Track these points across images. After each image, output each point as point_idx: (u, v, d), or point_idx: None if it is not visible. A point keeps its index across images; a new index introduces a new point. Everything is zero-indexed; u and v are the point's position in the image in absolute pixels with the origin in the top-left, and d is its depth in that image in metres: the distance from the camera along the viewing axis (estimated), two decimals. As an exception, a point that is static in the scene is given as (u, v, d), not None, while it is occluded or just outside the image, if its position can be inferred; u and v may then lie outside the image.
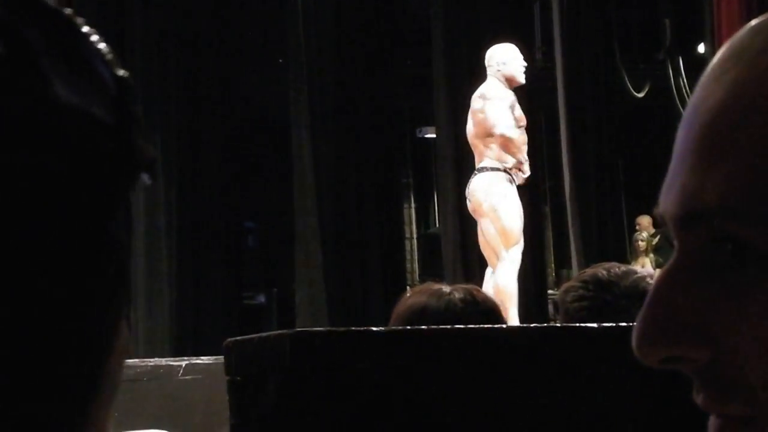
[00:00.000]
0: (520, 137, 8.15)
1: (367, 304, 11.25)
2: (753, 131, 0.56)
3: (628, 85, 11.71)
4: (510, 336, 1.89)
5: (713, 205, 0.56)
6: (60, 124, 0.50)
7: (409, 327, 2.05)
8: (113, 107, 0.54)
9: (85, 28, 0.57)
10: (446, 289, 2.37)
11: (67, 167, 0.51)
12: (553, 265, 12.85)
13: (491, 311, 2.39)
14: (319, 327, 10.16)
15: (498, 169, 8.08)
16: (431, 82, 11.38)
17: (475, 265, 9.16)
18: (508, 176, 8.10)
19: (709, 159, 0.57)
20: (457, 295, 2.33)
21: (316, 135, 11.27)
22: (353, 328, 1.77)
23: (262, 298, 13.34)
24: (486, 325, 1.91)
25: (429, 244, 13.46)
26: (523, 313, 10.94)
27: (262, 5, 12.32)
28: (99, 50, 0.56)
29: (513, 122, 8.19)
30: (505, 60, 8.34)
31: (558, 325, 2.42)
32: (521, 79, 8.30)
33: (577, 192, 10.63)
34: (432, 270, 12.28)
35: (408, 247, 13.49)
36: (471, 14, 11.25)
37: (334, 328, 1.88)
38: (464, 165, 11.38)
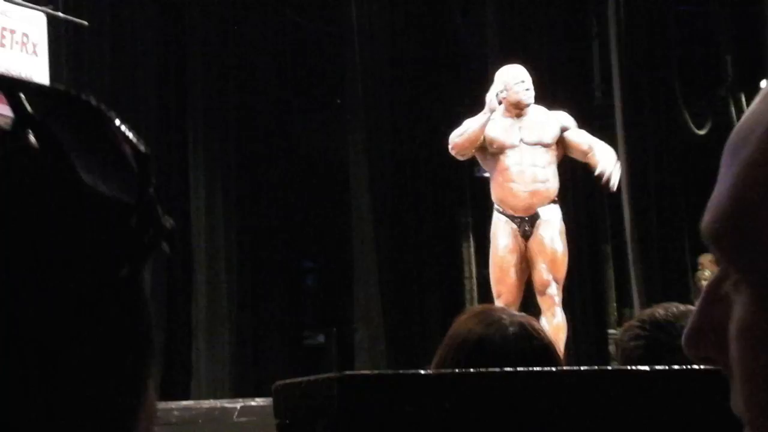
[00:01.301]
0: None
1: (426, 344, 11.20)
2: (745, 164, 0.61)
3: (689, 122, 11.62)
4: (560, 378, 1.86)
5: (704, 230, 0.63)
6: (85, 209, 0.56)
7: (457, 370, 2.03)
8: (135, 187, 0.59)
9: (110, 114, 0.62)
10: (505, 319, 2.34)
11: (92, 245, 0.56)
12: (615, 304, 12.75)
13: (546, 348, 2.36)
14: (379, 367, 10.16)
15: (495, 209, 7.91)
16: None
17: (531, 304, 9.09)
18: (503, 216, 7.81)
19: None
20: (512, 330, 2.31)
21: (373, 174, 11.28)
22: (401, 371, 1.76)
23: (321, 338, 13.33)
24: (536, 368, 1.89)
25: (488, 284, 13.41)
26: (586, 352, 10.88)
27: (319, 45, 12.40)
28: (123, 133, 0.62)
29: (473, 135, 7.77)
30: (504, 86, 7.97)
31: (609, 367, 2.39)
32: (526, 99, 7.87)
33: (638, 230, 10.55)
34: (492, 309, 12.21)
35: (467, 287, 13.44)
36: (528, 52, 11.23)
37: (382, 371, 1.87)
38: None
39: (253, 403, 4.21)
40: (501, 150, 7.75)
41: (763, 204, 0.59)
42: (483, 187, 13.54)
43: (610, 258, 11.96)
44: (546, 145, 7.83)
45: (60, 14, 9.48)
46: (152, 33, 11.27)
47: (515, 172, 7.69)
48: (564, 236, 7.89)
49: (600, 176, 7.69)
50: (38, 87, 0.59)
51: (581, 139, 7.99)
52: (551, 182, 7.81)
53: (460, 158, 8.06)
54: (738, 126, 0.64)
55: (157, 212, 0.60)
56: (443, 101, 11.74)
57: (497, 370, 1.80)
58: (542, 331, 2.45)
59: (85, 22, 9.76)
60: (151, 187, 0.60)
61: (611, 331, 11.44)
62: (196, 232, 11.06)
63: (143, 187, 0.59)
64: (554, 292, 7.73)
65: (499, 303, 7.55)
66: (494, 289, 7.88)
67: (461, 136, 7.80)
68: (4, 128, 0.57)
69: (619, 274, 12.11)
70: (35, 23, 9.12)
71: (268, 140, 11.83)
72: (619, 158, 10.57)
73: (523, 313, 2.55)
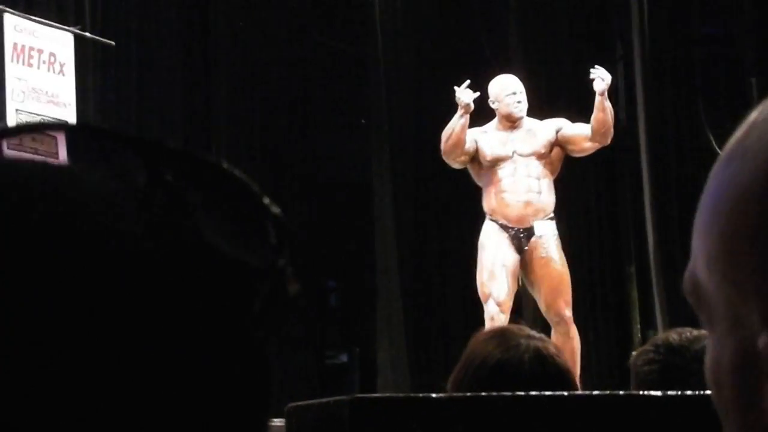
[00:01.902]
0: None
1: (450, 364, 11.17)
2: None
3: (714, 144, 11.57)
4: (572, 402, 1.88)
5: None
6: (209, 269, 0.57)
7: (468, 394, 2.04)
8: (266, 252, 0.61)
9: (241, 177, 0.63)
10: (522, 343, 2.34)
11: (221, 307, 0.57)
12: (638, 326, 12.69)
13: (562, 374, 2.37)
14: (402, 387, 10.11)
15: (488, 218, 7.72)
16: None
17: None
18: (495, 224, 7.61)
19: None
20: (528, 355, 2.31)
21: (397, 194, 11.29)
22: (412, 395, 1.77)
23: (344, 358, 13.32)
24: (548, 392, 1.90)
25: (514, 302, 13.37)
26: (608, 374, 10.83)
27: (344, 65, 12.43)
28: (259, 199, 0.64)
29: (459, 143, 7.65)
30: (495, 98, 7.89)
31: (621, 392, 2.40)
32: (517, 112, 7.74)
33: (662, 252, 10.52)
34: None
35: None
36: (552, 73, 11.25)
37: (393, 395, 1.88)
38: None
39: (270, 423, 4.21)
40: (495, 163, 7.64)
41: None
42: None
43: (633, 279, 11.91)
44: (541, 156, 7.71)
45: (87, 34, 9.56)
46: (178, 53, 11.33)
47: (508, 182, 7.56)
48: (562, 252, 7.75)
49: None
50: (173, 150, 0.59)
51: (578, 129, 7.92)
52: (545, 195, 7.66)
53: (454, 165, 7.94)
54: (702, 203, 0.66)
55: (288, 277, 0.62)
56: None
57: (508, 394, 1.82)
58: (559, 355, 2.45)
59: (113, 42, 9.83)
60: (284, 256, 0.61)
61: (635, 353, 11.39)
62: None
63: (278, 255, 0.61)
64: (569, 314, 7.61)
65: (488, 308, 7.47)
66: (482, 292, 7.62)
67: (446, 142, 7.77)
68: (136, 186, 0.57)
69: (643, 295, 12.07)
70: (63, 43, 9.19)
71: (292, 159, 11.87)
72: (643, 180, 10.59)
73: (542, 335, 2.55)
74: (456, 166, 7.96)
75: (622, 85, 11.37)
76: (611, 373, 10.92)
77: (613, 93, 11.48)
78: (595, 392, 1.82)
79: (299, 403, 1.85)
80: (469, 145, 7.77)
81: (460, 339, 11.51)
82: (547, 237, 7.60)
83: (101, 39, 9.73)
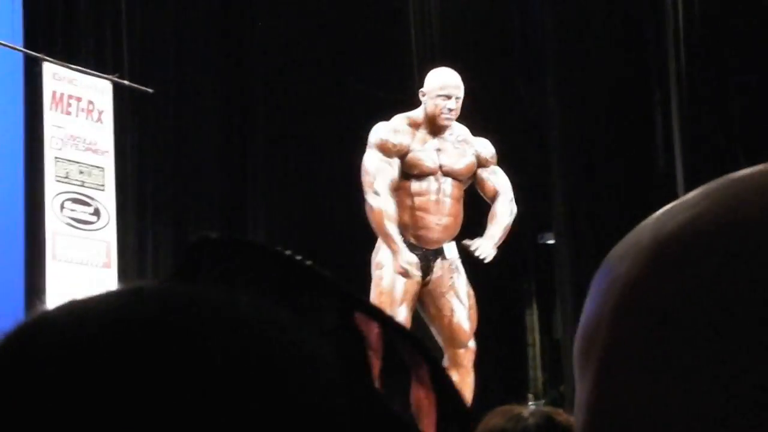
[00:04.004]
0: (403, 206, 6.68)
1: (489, 411, 11.10)
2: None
3: (753, 191, 11.49)
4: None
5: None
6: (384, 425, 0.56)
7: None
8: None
9: (438, 362, 0.62)
10: (525, 413, 2.36)
11: None
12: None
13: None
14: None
15: None
16: (551, 188, 11.37)
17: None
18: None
19: None
20: (532, 420, 2.32)
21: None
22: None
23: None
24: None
25: (553, 351, 13.29)
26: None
27: (383, 113, 12.43)
28: (447, 382, 0.61)
29: (387, 180, 6.64)
30: (426, 91, 6.86)
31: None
32: (444, 120, 6.75)
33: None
34: (555, 377, 12.11)
35: (531, 354, 13.33)
36: (589, 120, 11.23)
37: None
38: (584, 270, 11.25)
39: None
40: (421, 176, 6.80)
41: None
42: (546, 253, 13.52)
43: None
44: (462, 179, 6.98)
45: (126, 82, 9.62)
46: (215, 101, 11.40)
47: (432, 201, 6.77)
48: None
49: (468, 247, 6.75)
50: (372, 309, 0.59)
51: (492, 183, 7.11)
52: (460, 217, 6.97)
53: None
54: (580, 331, 0.65)
55: None
56: (505, 171, 11.75)
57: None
58: (568, 421, 2.43)
59: (150, 90, 9.88)
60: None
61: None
62: None
63: None
64: (473, 344, 6.94)
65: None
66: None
67: (370, 210, 6.77)
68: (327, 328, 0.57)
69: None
70: (101, 91, 9.26)
71: (329, 206, 11.87)
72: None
73: (549, 408, 2.55)
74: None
75: (661, 131, 11.32)
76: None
77: (650, 141, 11.47)
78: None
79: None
80: (399, 150, 6.84)
81: (501, 386, 11.44)
82: (457, 262, 6.94)
83: (139, 87, 9.79)
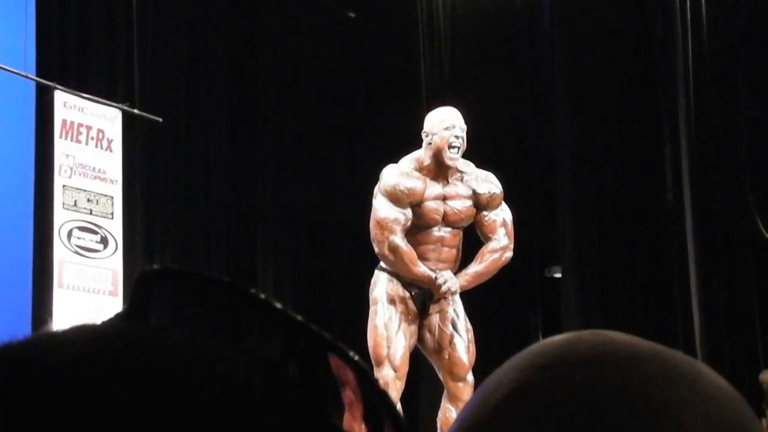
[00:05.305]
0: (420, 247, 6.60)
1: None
2: None
3: (761, 227, 11.48)
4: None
5: None
6: None
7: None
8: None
9: (370, 373, 0.62)
10: None
11: None
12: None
13: None
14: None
15: (384, 269, 6.80)
16: (559, 222, 11.38)
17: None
18: (395, 278, 6.70)
19: None
20: None
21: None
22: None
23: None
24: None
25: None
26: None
27: (402, 147, 12.46)
28: (381, 395, 0.62)
29: (402, 226, 6.58)
30: (429, 129, 6.74)
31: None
32: (448, 158, 6.63)
33: (709, 337, 10.42)
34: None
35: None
36: (599, 155, 11.24)
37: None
38: (590, 304, 11.24)
39: None
40: (426, 226, 6.73)
41: None
42: (553, 287, 13.52)
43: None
44: (461, 226, 6.87)
45: (135, 111, 9.65)
46: (225, 130, 11.43)
47: (431, 249, 6.73)
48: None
49: (437, 284, 6.68)
50: (315, 333, 0.60)
51: (489, 226, 6.95)
52: (458, 258, 6.87)
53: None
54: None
55: None
56: (514, 204, 11.80)
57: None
58: None
59: (160, 119, 9.91)
60: None
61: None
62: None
63: None
64: (472, 378, 6.74)
65: (380, 374, 6.38)
66: (374, 355, 6.61)
67: (388, 248, 6.68)
68: (270, 358, 0.57)
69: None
70: (111, 119, 9.28)
71: (337, 232, 11.88)
72: (689, 262, 10.48)
73: None
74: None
75: (670, 166, 11.33)
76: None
77: (659, 176, 11.48)
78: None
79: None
80: (410, 196, 6.73)
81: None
82: (455, 297, 6.84)
83: (149, 116, 9.82)
